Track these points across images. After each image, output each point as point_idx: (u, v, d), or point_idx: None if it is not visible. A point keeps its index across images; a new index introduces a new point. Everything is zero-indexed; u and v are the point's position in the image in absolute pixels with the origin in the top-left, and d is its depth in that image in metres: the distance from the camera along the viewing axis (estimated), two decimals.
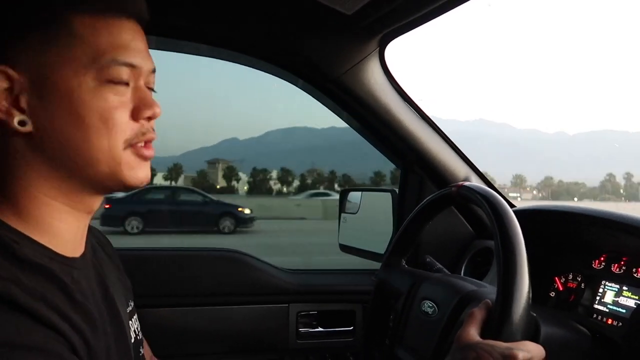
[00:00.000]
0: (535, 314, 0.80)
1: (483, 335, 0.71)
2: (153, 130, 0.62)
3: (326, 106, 1.39)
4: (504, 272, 0.72)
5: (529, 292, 0.71)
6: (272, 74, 1.33)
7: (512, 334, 0.69)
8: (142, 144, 0.61)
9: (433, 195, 1.00)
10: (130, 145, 0.59)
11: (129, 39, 0.59)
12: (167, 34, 1.15)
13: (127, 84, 0.59)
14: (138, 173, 0.61)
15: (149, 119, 0.61)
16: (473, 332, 0.71)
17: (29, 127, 0.56)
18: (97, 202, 0.64)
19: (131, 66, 0.58)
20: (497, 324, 0.70)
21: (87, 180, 0.59)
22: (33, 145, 0.57)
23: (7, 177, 0.57)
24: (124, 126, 0.58)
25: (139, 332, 0.76)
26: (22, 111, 0.55)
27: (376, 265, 1.38)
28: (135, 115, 0.60)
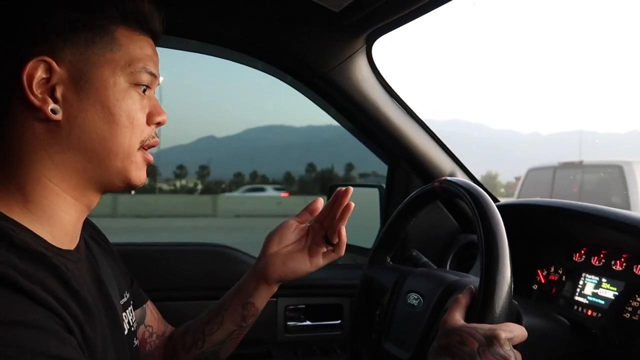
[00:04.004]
0: (517, 302, 0.82)
1: (467, 319, 0.73)
2: (157, 136, 0.70)
3: (314, 102, 1.40)
4: (486, 258, 0.74)
5: (511, 277, 0.73)
6: (261, 70, 1.34)
7: (495, 316, 0.72)
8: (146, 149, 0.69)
9: (416, 192, 1.01)
10: (142, 147, 0.67)
11: (152, 53, 0.68)
12: None
13: (145, 91, 0.67)
14: (142, 174, 0.68)
15: (158, 124, 0.70)
16: (457, 317, 0.73)
17: (59, 116, 0.60)
18: (97, 199, 0.68)
19: (154, 76, 0.67)
20: (481, 307, 0.72)
21: (99, 174, 0.64)
22: (57, 134, 0.61)
23: (21, 164, 0.61)
24: (143, 128, 0.66)
25: (133, 323, 0.78)
26: (55, 101, 0.60)
27: (363, 259, 1.40)
28: (149, 119, 0.68)
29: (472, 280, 0.89)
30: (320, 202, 0.87)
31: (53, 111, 0.60)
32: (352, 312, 1.12)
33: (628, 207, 4.37)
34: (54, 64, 0.59)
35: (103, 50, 0.62)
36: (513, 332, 0.70)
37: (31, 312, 0.50)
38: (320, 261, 0.86)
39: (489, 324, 0.71)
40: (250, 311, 0.86)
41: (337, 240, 0.84)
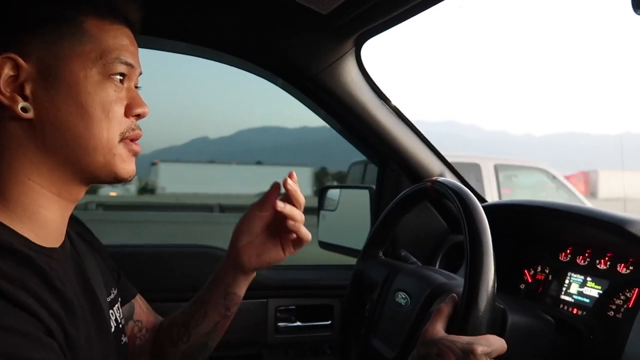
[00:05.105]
0: (503, 305, 0.83)
1: (448, 329, 0.73)
2: (139, 127, 0.68)
3: (304, 104, 1.41)
4: (470, 268, 0.74)
5: (493, 287, 0.73)
6: (251, 72, 1.35)
7: (476, 328, 0.71)
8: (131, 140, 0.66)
9: (409, 189, 1.02)
10: (123, 139, 0.64)
11: (128, 43, 0.65)
12: (145, 31, 1.15)
13: (122, 82, 0.64)
14: (128, 166, 0.65)
15: (138, 116, 0.67)
16: (438, 328, 0.73)
17: (30, 114, 0.59)
18: (82, 193, 0.66)
19: (130, 66, 0.64)
20: (462, 319, 0.72)
21: (80, 170, 0.63)
22: (31, 132, 0.60)
23: (0, 162, 0.59)
24: (120, 120, 0.64)
25: (120, 320, 0.77)
26: (25, 98, 0.59)
27: (353, 260, 1.40)
28: (128, 111, 0.65)
29: (459, 283, 0.90)
30: (277, 187, 0.83)
31: (23, 109, 0.58)
32: (343, 306, 1.13)
33: None
34: (20, 60, 0.58)
35: (72, 43, 0.60)
36: (491, 345, 0.70)
37: (12, 316, 0.49)
38: (292, 249, 0.84)
39: (470, 335, 0.71)
40: (232, 300, 0.85)
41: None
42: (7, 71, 0.58)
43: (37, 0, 0.60)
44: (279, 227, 0.82)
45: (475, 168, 5.04)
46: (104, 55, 0.62)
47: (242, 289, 0.86)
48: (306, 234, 0.81)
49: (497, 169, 5.24)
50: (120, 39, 0.64)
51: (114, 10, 0.64)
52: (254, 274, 0.86)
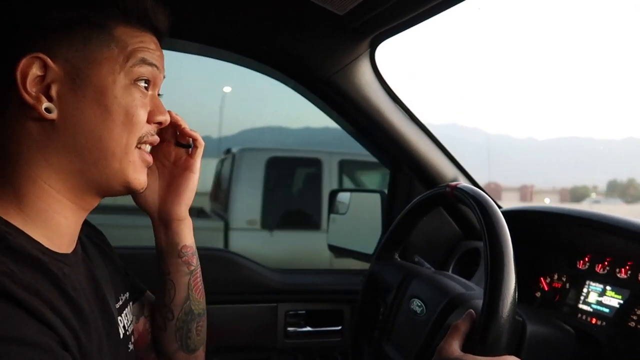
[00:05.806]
0: (521, 318, 0.81)
1: (465, 348, 0.71)
2: (156, 134, 0.69)
3: (317, 106, 1.40)
4: (490, 283, 0.71)
5: (513, 304, 0.70)
6: (264, 73, 1.34)
7: (494, 347, 0.69)
8: (148, 149, 0.67)
9: (428, 192, 1.00)
10: (140, 144, 0.65)
11: (155, 48, 0.66)
12: None
13: (147, 87, 0.65)
14: (140, 177, 0.66)
15: (160, 124, 0.68)
16: (455, 346, 0.71)
17: (54, 115, 0.58)
18: (96, 201, 0.66)
19: (155, 67, 0.65)
20: (480, 336, 0.70)
21: (96, 176, 0.62)
22: (52, 134, 0.59)
23: (16, 165, 0.59)
24: (142, 125, 0.64)
25: (128, 327, 0.76)
26: (49, 99, 0.58)
27: (364, 265, 1.39)
28: (150, 118, 0.66)
29: (476, 294, 0.88)
30: None
31: (47, 110, 0.58)
32: (356, 307, 1.12)
33: (230, 193, 4.55)
34: (48, 60, 0.57)
35: (100, 47, 0.60)
36: None
37: (27, 327, 0.48)
38: (197, 162, 0.82)
39: (488, 353, 0.69)
40: (187, 254, 0.83)
41: (188, 138, 0.80)
42: (35, 71, 0.57)
43: (68, 4, 0.60)
44: (166, 157, 0.81)
45: (316, 163, 4.63)
46: (130, 58, 0.62)
47: (189, 237, 0.84)
48: (200, 138, 0.81)
49: (342, 165, 4.74)
50: (147, 43, 0.65)
51: (144, 18, 0.65)
52: (189, 217, 0.84)
